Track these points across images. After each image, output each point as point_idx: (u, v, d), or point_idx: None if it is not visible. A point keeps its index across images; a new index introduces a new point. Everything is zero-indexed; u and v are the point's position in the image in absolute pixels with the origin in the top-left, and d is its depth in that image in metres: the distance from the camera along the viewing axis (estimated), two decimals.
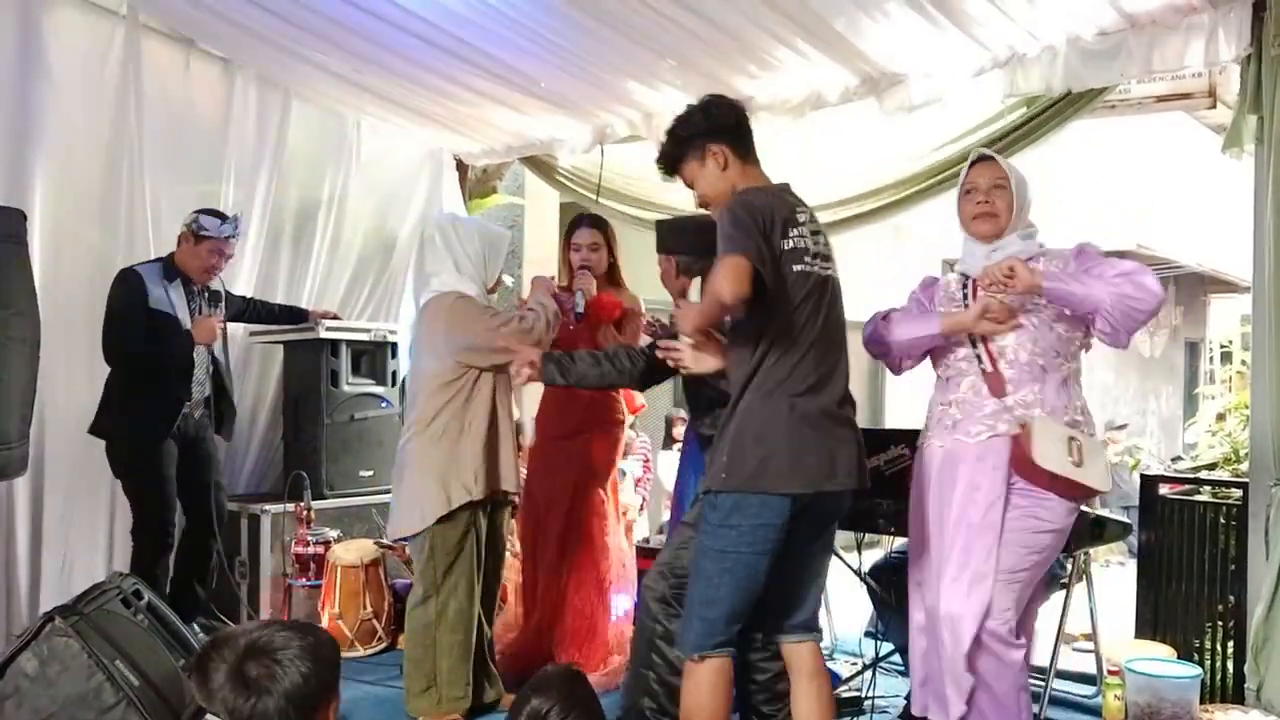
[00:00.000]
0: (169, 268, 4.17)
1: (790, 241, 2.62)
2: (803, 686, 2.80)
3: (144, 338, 4.03)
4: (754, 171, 2.80)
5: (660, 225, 3.58)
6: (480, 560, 3.54)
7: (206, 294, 4.28)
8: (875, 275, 7.51)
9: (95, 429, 4.10)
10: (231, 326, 4.59)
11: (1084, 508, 3.73)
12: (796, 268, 2.62)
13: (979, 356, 2.90)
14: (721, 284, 2.47)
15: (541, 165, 5.66)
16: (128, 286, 4.06)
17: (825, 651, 4.10)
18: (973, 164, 3.02)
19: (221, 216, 4.22)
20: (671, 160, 2.83)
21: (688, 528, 3.08)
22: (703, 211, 2.94)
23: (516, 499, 3.79)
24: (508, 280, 6.13)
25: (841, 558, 4.08)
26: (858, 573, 4.00)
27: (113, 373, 4.11)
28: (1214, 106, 4.29)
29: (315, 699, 1.90)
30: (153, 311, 4.05)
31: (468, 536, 3.47)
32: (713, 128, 2.77)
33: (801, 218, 2.69)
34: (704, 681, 2.66)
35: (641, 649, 3.12)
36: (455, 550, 3.45)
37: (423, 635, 3.47)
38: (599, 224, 4.16)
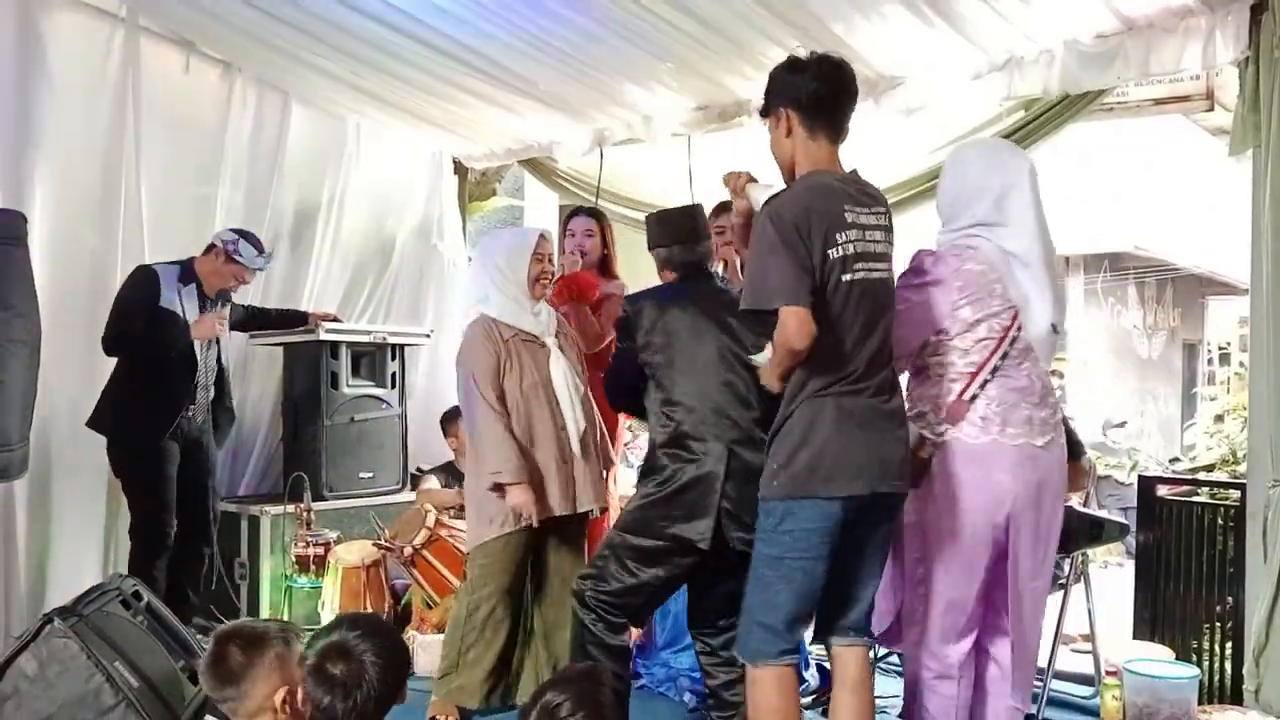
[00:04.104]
0: (186, 272, 4.21)
1: (838, 250, 2.50)
2: (844, 699, 2.71)
3: (145, 331, 4.04)
4: (819, 149, 2.63)
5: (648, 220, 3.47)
6: (527, 574, 3.54)
7: (218, 301, 4.31)
8: None
9: (94, 423, 4.09)
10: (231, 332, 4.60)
11: (1080, 509, 3.76)
12: (845, 277, 2.52)
13: None
14: (791, 339, 2.44)
15: (541, 168, 5.68)
16: (140, 280, 4.11)
17: (821, 652, 4.12)
18: None
19: (259, 248, 4.27)
20: (763, 110, 2.72)
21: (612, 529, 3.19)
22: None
23: (596, 512, 3.63)
24: None
25: None
26: None
27: (117, 369, 4.13)
28: (1211, 109, 4.30)
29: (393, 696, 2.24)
30: (161, 310, 4.07)
31: (503, 553, 3.44)
32: (786, 92, 2.63)
33: (851, 217, 2.54)
34: (769, 690, 2.60)
35: (575, 652, 3.16)
36: (491, 560, 3.45)
37: (453, 626, 3.52)
38: (595, 214, 4.22)
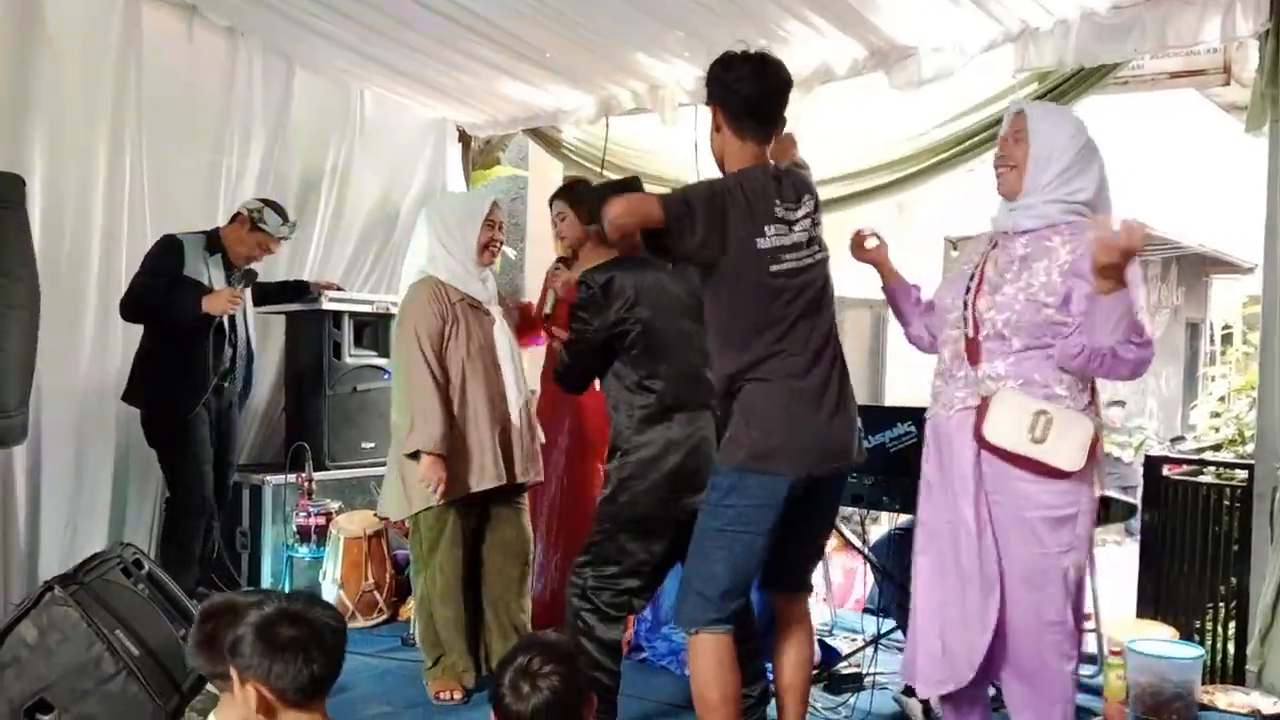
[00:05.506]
0: (212, 241, 4.20)
1: (767, 240, 2.59)
2: (785, 634, 2.88)
3: (166, 298, 4.01)
4: (745, 151, 2.67)
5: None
6: (471, 543, 3.52)
7: (243, 274, 4.26)
8: None
9: (128, 397, 4.14)
10: None
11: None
12: (775, 267, 2.59)
13: (965, 320, 2.64)
14: (624, 210, 2.58)
15: (546, 137, 5.62)
16: (163, 248, 4.09)
17: (825, 628, 4.13)
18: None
19: (284, 215, 4.27)
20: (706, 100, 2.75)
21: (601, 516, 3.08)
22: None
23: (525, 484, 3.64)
24: (509, 253, 6.01)
25: (844, 533, 4.09)
26: (860, 550, 4.01)
27: (143, 343, 4.13)
28: (1228, 83, 4.25)
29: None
30: (185, 279, 4.05)
31: (448, 524, 3.44)
32: (715, 91, 2.67)
33: (781, 212, 2.62)
34: (705, 657, 2.68)
35: None
36: (437, 533, 3.44)
37: (422, 606, 3.54)
38: (563, 195, 3.74)
